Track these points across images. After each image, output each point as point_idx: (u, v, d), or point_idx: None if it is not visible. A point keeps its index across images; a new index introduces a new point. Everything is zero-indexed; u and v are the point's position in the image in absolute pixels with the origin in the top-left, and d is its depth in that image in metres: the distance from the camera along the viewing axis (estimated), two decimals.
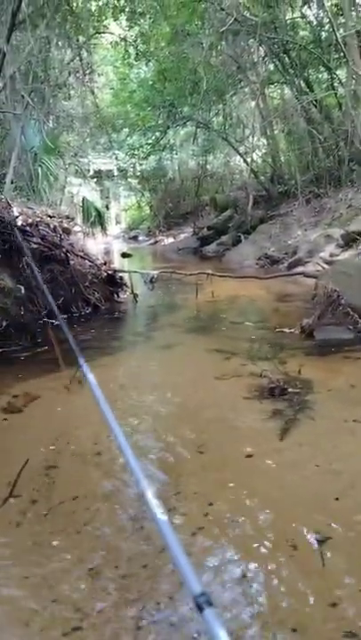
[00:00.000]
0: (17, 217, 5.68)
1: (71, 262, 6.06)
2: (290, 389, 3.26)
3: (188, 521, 1.96)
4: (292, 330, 4.83)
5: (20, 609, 1.55)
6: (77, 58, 13.65)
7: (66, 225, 7.08)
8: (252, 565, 1.70)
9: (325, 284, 4.83)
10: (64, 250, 6.04)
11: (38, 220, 6.22)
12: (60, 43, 12.71)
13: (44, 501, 2.12)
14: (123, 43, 15.63)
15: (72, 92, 15.09)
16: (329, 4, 12.24)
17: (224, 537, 1.86)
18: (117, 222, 30.67)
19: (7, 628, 1.49)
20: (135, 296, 6.92)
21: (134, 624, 1.48)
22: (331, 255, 9.10)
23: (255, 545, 1.80)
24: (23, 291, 5.15)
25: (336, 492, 2.10)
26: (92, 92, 15.91)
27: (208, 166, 20.92)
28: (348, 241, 9.20)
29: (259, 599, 1.56)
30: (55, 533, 1.90)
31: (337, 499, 2.05)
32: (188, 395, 3.39)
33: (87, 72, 14.70)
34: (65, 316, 5.49)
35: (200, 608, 0.78)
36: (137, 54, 16.16)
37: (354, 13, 12.03)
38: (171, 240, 20.03)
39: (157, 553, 1.77)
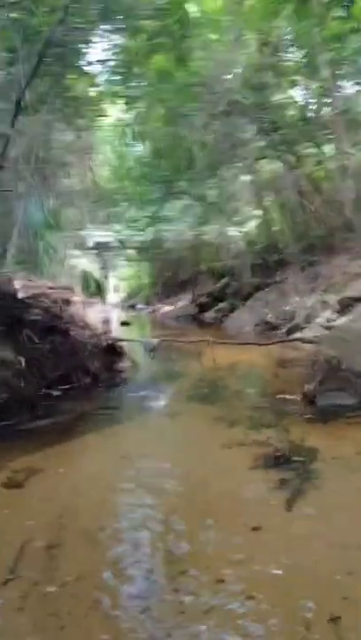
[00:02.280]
0: (18, 290, 5.81)
1: (72, 333, 6.12)
2: (295, 458, 3.22)
3: (197, 599, 1.89)
4: (293, 396, 4.81)
5: None
6: (77, 138, 14.36)
7: (66, 296, 7.19)
8: None
9: (325, 349, 4.87)
10: (64, 321, 6.11)
11: (39, 292, 6.34)
12: (60, 125, 13.41)
13: (46, 582, 2.04)
14: (120, 124, 16.50)
15: (72, 171, 15.75)
16: (315, 86, 13.04)
17: (236, 617, 1.78)
18: (116, 291, 31.11)
19: None
20: (136, 365, 6.92)
21: None
22: (328, 320, 9.20)
23: (267, 625, 1.73)
24: (24, 363, 5.16)
25: (348, 566, 2.04)
26: (92, 170, 16.60)
27: (204, 236, 21.49)
28: (344, 306, 9.33)
29: None
30: (59, 617, 1.82)
31: (350, 573, 1.99)
32: (192, 466, 3.34)
33: (87, 152, 15.40)
34: (66, 386, 5.50)
35: None
36: (134, 134, 17.03)
37: (338, 94, 12.82)
38: (169, 308, 20.26)
39: (165, 637, 1.70)
